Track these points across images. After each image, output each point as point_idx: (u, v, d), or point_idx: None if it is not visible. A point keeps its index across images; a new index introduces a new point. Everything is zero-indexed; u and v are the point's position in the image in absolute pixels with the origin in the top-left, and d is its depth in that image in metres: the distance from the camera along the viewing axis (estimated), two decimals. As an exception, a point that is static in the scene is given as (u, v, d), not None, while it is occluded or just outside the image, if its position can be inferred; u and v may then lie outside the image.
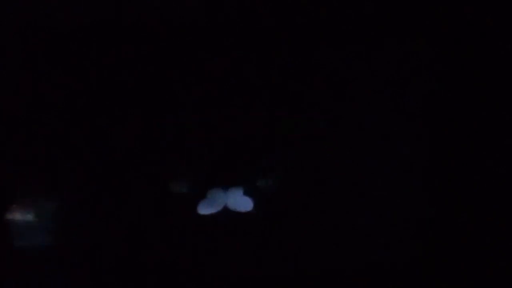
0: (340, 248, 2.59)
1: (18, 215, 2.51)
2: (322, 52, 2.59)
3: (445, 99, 2.61)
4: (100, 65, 2.51)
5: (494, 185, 2.57)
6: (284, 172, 2.62)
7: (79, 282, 2.49)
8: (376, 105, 2.62)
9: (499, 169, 2.57)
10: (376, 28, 2.57)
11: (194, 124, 2.57)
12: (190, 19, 2.52)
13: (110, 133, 2.54)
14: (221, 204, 2.57)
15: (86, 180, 2.53)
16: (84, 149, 2.52)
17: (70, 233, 2.52)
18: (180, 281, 2.53)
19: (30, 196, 2.52)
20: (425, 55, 2.60)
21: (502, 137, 2.58)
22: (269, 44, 2.57)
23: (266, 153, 2.61)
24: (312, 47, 2.58)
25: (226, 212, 2.57)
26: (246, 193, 2.58)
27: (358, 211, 2.61)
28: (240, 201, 2.58)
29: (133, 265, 2.52)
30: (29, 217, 2.51)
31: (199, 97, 2.57)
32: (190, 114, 2.57)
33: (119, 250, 2.51)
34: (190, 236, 2.55)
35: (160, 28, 2.52)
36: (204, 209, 2.57)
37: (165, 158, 2.57)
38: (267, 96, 2.59)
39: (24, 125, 2.49)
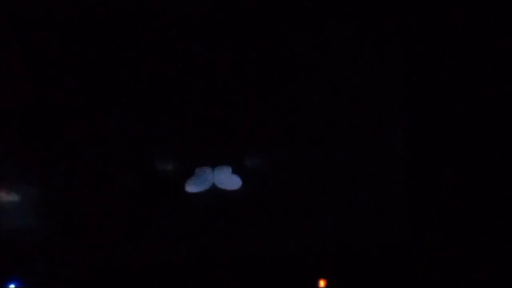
0: (327, 228, 2.60)
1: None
2: (306, 51, 2.60)
3: (422, 95, 2.64)
4: (83, 51, 2.47)
5: (474, 175, 2.62)
6: (272, 152, 2.61)
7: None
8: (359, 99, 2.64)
9: (484, 166, 2.62)
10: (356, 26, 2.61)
11: (183, 103, 2.54)
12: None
13: (97, 115, 2.50)
14: (209, 182, 2.55)
15: (74, 160, 2.48)
16: (71, 132, 2.48)
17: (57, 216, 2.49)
18: (168, 261, 2.51)
19: (18, 183, 2.47)
20: (402, 54, 2.64)
21: (485, 133, 2.62)
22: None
23: (255, 132, 2.59)
24: (297, 46, 2.59)
25: (214, 190, 2.55)
26: (234, 171, 2.57)
27: (344, 192, 2.63)
28: (228, 180, 2.56)
29: (121, 244, 2.49)
30: (16, 203, 2.46)
31: (190, 79, 2.53)
32: (179, 93, 2.53)
33: (107, 229, 2.48)
34: (178, 214, 2.53)
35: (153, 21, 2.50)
36: (192, 187, 2.55)
37: (153, 136, 2.53)
38: (257, 78, 2.58)
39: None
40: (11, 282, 2.42)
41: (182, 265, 2.52)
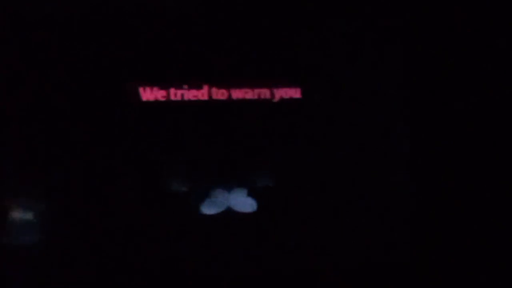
0: (342, 247, 2.62)
1: (13, 214, 2.49)
2: (310, 52, 2.64)
3: (426, 96, 2.66)
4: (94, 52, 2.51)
5: (480, 185, 2.62)
6: (286, 173, 2.64)
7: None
8: (367, 105, 2.67)
9: (484, 165, 2.62)
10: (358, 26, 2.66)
11: (198, 124, 2.58)
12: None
13: (112, 132, 2.54)
14: (224, 204, 2.58)
15: (85, 181, 2.51)
16: (84, 149, 2.51)
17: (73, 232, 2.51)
18: (183, 281, 2.52)
19: (27, 195, 2.50)
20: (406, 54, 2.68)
21: (485, 133, 2.63)
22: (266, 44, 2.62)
23: (268, 155, 2.63)
24: (299, 48, 2.63)
25: (229, 212, 2.58)
26: (249, 194, 2.60)
27: (358, 211, 2.64)
28: (243, 202, 2.59)
29: (136, 265, 2.50)
30: (25, 216, 2.49)
31: (205, 97, 2.59)
32: (195, 114, 2.58)
33: (122, 250, 2.49)
34: (193, 235, 2.55)
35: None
36: (208, 209, 2.57)
37: (169, 158, 2.57)
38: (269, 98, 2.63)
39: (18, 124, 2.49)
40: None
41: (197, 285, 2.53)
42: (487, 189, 2.60)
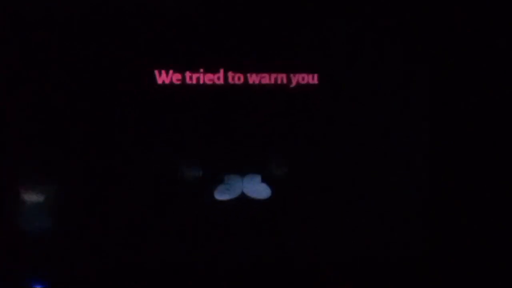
0: (342, 243, 2.63)
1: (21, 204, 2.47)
2: (324, 52, 2.60)
3: (444, 99, 2.65)
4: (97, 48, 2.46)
5: (494, 185, 2.63)
6: (301, 160, 2.62)
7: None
8: (380, 104, 2.64)
9: (498, 169, 2.63)
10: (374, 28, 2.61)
11: (213, 109, 2.55)
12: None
13: (126, 115, 2.51)
14: (238, 190, 2.56)
15: (97, 166, 2.48)
16: (97, 132, 2.48)
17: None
18: (195, 266, 2.52)
19: (35, 188, 2.47)
20: (425, 55, 2.64)
21: (502, 137, 2.63)
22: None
23: (284, 140, 2.60)
24: (311, 49, 2.59)
25: (243, 198, 2.57)
26: (263, 180, 2.58)
27: (360, 208, 2.63)
28: (257, 188, 2.58)
29: (149, 249, 2.50)
30: (33, 207, 2.47)
31: (220, 82, 2.54)
32: (211, 98, 2.54)
33: (135, 236, 2.50)
34: (207, 221, 2.54)
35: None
36: (221, 195, 2.56)
37: (183, 143, 2.54)
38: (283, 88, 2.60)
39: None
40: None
41: (209, 273, 2.53)
42: (503, 187, 2.61)
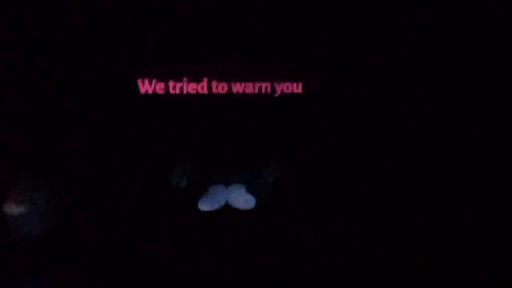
0: (341, 244, 2.61)
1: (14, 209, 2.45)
2: (323, 52, 2.58)
3: (444, 98, 2.63)
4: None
5: (492, 184, 2.61)
6: (286, 169, 2.60)
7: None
8: (376, 104, 2.62)
9: (497, 169, 2.61)
10: (375, 26, 2.59)
11: (197, 119, 2.52)
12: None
13: (109, 125, 2.48)
14: (222, 201, 2.54)
15: (84, 176, 2.46)
16: (83, 144, 2.45)
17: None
18: (180, 278, 2.50)
19: (29, 191, 2.45)
20: (424, 54, 2.62)
21: (501, 137, 2.61)
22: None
23: (268, 150, 2.59)
24: (313, 47, 2.57)
25: (227, 209, 2.54)
26: (248, 190, 2.56)
27: (358, 208, 2.62)
28: (242, 198, 2.55)
29: (132, 260, 2.48)
30: (27, 211, 2.45)
31: (204, 91, 2.52)
32: (194, 107, 2.52)
33: (118, 246, 2.47)
34: (190, 232, 2.52)
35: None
36: (205, 206, 2.54)
37: (166, 154, 2.52)
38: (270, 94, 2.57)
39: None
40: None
41: (195, 283, 2.51)
42: (503, 187, 2.60)
